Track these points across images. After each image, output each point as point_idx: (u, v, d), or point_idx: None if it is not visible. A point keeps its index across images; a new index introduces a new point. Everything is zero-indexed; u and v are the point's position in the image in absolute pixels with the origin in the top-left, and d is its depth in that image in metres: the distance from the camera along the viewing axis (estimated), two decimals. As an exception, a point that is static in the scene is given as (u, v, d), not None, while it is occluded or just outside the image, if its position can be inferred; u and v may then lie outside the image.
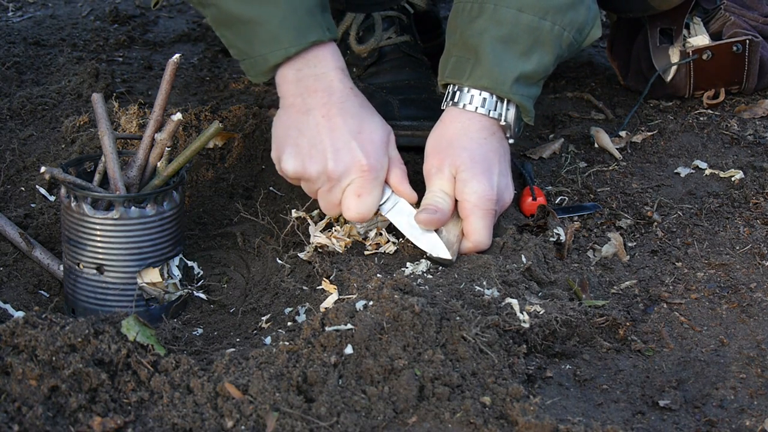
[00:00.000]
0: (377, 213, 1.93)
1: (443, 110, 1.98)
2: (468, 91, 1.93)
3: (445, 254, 1.90)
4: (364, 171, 1.87)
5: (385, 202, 1.93)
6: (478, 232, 1.91)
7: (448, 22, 2.00)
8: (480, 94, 1.92)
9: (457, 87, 1.94)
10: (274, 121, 1.94)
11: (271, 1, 1.84)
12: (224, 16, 1.89)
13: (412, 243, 1.94)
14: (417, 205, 1.94)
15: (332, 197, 1.91)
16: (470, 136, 1.93)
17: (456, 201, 1.93)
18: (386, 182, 1.93)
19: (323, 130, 1.87)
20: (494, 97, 1.92)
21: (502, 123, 1.94)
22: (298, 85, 1.89)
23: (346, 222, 2.00)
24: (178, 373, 1.61)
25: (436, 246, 1.91)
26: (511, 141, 1.98)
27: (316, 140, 1.88)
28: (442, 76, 1.98)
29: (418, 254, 1.95)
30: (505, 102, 1.92)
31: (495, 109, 1.92)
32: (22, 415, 1.52)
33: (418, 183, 1.98)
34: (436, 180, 1.93)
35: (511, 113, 1.93)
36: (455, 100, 1.94)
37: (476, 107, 1.92)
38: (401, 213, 1.94)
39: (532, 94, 1.94)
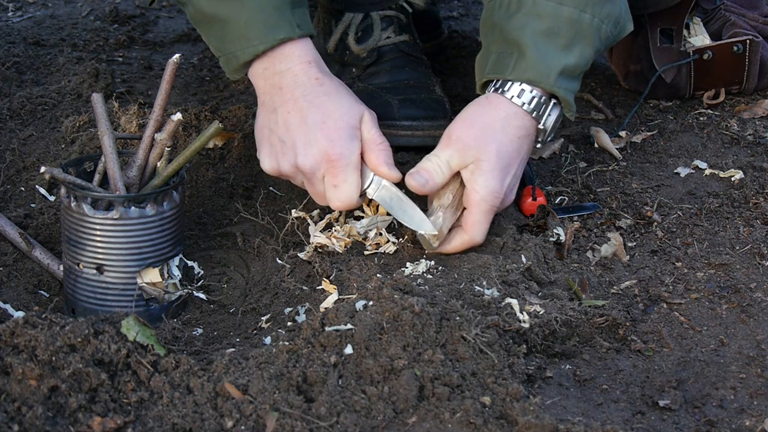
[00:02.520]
0: (363, 195, 1.92)
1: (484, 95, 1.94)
2: (519, 85, 1.89)
3: (431, 230, 1.89)
4: (331, 161, 1.87)
5: (369, 185, 1.92)
6: (477, 226, 1.91)
7: (482, 20, 1.97)
8: (530, 92, 1.89)
9: (507, 81, 1.90)
10: (255, 122, 1.97)
11: None
12: (199, 15, 1.93)
13: (402, 225, 1.94)
14: (401, 184, 1.93)
15: (315, 189, 1.92)
16: (506, 130, 1.90)
17: (456, 189, 1.93)
18: (367, 165, 1.92)
19: (290, 126, 1.89)
20: (542, 98, 1.90)
21: (540, 126, 1.92)
22: (266, 83, 1.92)
23: (346, 222, 2.00)
24: (178, 373, 1.61)
25: (423, 223, 1.90)
26: (538, 146, 1.97)
27: (284, 137, 1.89)
28: (482, 74, 1.95)
29: (418, 254, 1.95)
30: (550, 105, 1.91)
31: (539, 111, 1.90)
32: (22, 415, 1.52)
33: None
34: (448, 150, 1.90)
35: (552, 118, 1.92)
36: (504, 88, 1.90)
37: (524, 102, 1.89)
38: (387, 194, 1.93)
39: (573, 88, 1.93)
